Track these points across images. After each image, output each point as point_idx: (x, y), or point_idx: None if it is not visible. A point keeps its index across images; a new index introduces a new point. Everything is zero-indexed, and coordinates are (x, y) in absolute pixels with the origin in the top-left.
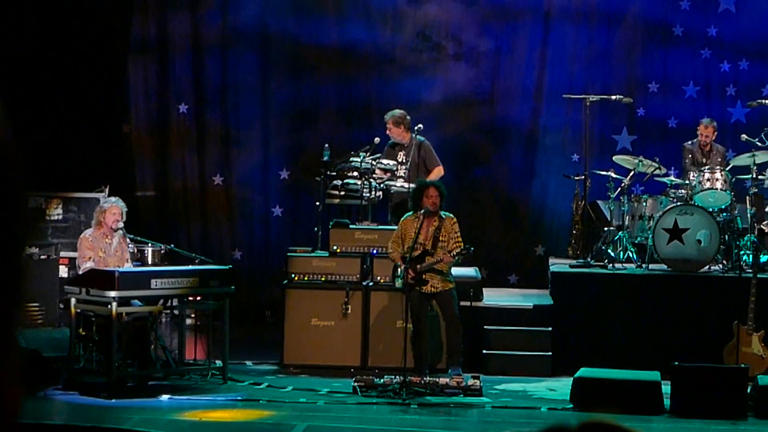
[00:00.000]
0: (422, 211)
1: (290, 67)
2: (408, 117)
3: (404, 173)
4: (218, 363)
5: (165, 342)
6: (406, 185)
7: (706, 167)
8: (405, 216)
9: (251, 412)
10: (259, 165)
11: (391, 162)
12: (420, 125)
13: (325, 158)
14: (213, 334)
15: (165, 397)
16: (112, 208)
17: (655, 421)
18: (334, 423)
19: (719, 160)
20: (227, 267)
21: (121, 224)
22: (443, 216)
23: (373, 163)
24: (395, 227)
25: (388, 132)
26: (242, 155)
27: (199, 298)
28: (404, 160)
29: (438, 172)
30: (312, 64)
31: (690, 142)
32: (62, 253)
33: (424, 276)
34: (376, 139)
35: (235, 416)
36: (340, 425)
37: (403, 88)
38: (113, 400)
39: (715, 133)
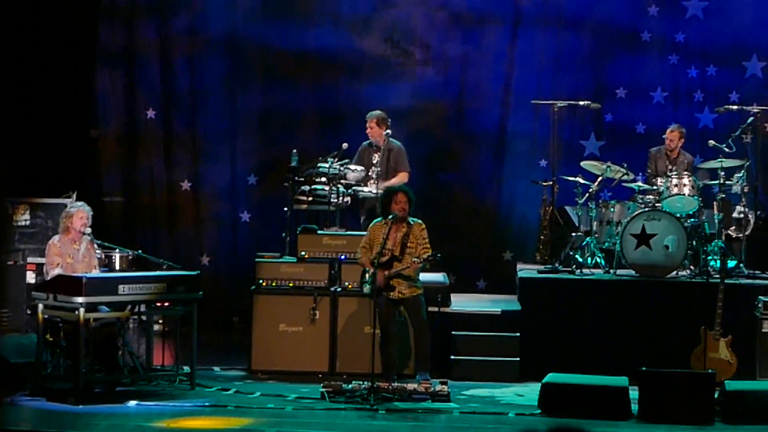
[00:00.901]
0: (390, 217)
1: (258, 73)
2: (389, 119)
3: (375, 175)
4: (186, 369)
5: (132, 348)
6: (374, 190)
7: (674, 173)
8: (374, 222)
9: (219, 419)
10: (227, 171)
11: (359, 168)
12: (388, 130)
13: (293, 164)
14: (181, 339)
15: (132, 403)
16: (79, 212)
17: (622, 427)
18: (302, 429)
19: (685, 166)
20: (195, 273)
21: (88, 229)
22: (412, 222)
23: (341, 168)
24: (364, 233)
25: (368, 131)
26: (210, 161)
27: (166, 303)
28: (378, 162)
29: (402, 177)
30: (280, 70)
31: (656, 149)
32: (29, 259)
33: (391, 282)
34: (344, 145)
35: (204, 424)
36: (308, 431)
37: (371, 93)
38: (81, 406)
39: (682, 139)
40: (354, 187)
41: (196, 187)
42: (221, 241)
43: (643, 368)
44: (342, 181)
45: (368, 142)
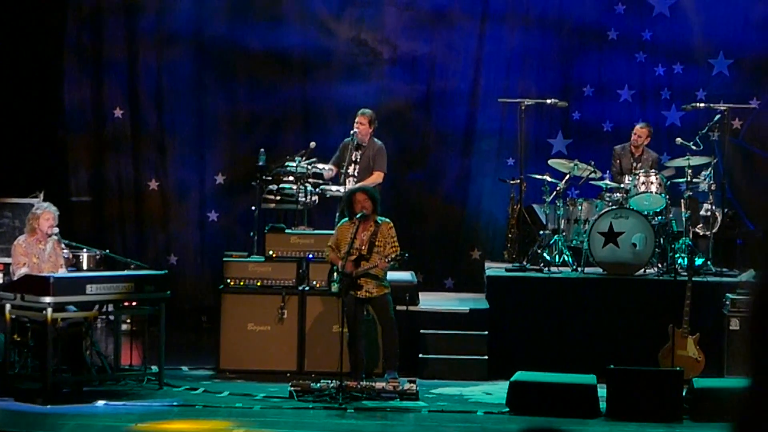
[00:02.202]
0: (357, 216)
1: (226, 71)
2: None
3: (355, 173)
4: (154, 368)
5: (100, 348)
6: (342, 189)
7: (641, 170)
8: (341, 222)
9: (188, 422)
10: (194, 170)
11: (328, 166)
12: (355, 129)
13: (261, 163)
14: (149, 339)
15: (101, 402)
16: (45, 213)
17: (590, 425)
18: (270, 428)
19: (649, 164)
20: (163, 272)
21: (55, 229)
22: (379, 221)
23: (309, 167)
24: (332, 231)
25: (357, 126)
26: (177, 160)
27: (134, 303)
28: (358, 160)
29: (377, 176)
30: (248, 69)
31: (620, 146)
32: None
33: (359, 281)
34: (312, 144)
35: (173, 427)
36: (276, 430)
37: (338, 92)
38: (48, 407)
39: (649, 137)
40: (322, 186)
41: (163, 187)
42: (189, 241)
43: (611, 366)
44: (310, 180)
45: (350, 138)
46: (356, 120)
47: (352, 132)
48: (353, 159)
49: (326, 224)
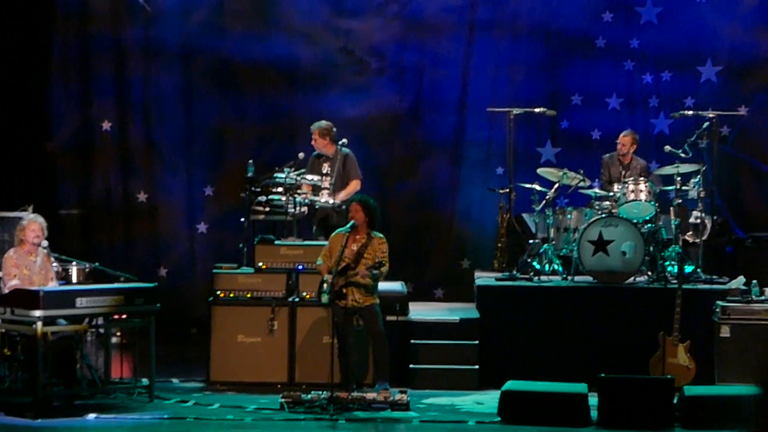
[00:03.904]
0: (349, 226)
1: (213, 83)
2: (334, 129)
3: (329, 185)
4: (145, 381)
5: (91, 361)
6: (330, 200)
7: (630, 178)
8: (336, 231)
9: None
10: (183, 182)
11: (316, 177)
12: (345, 139)
13: (250, 174)
14: (139, 352)
15: (91, 416)
16: (31, 224)
17: None
18: None
19: (638, 172)
20: (152, 285)
21: (45, 242)
22: (373, 235)
23: (298, 178)
24: (320, 242)
25: (313, 143)
26: (166, 172)
27: (124, 316)
28: (329, 172)
29: (355, 185)
30: (236, 80)
31: (608, 155)
32: None
33: (345, 290)
34: (301, 154)
35: None
36: None
37: (327, 103)
38: (39, 420)
39: (635, 144)
40: (311, 197)
41: (152, 199)
42: (178, 253)
43: (602, 375)
44: (299, 191)
45: (316, 153)
46: (314, 133)
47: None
48: (325, 172)
49: (311, 235)
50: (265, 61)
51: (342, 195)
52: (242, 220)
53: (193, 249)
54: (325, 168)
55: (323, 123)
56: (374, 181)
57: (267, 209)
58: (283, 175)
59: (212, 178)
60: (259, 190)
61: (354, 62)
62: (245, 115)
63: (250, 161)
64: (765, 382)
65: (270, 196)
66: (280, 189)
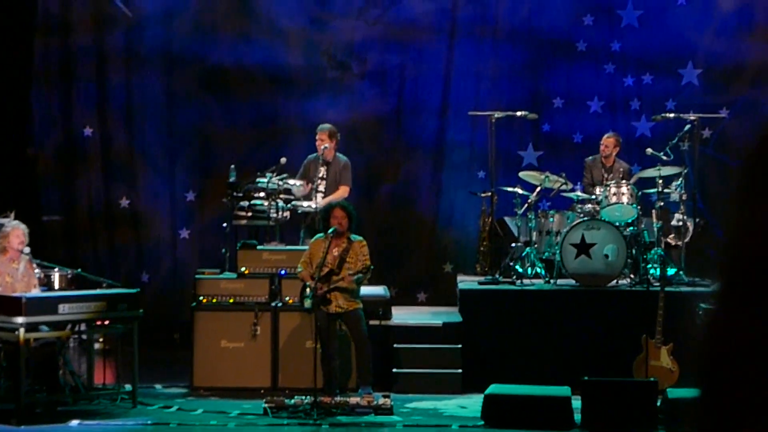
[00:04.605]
0: (330, 232)
1: (195, 88)
2: (338, 133)
3: (323, 189)
4: (128, 387)
5: (73, 367)
6: (313, 205)
7: (612, 181)
8: (315, 237)
9: None
10: (165, 187)
11: (299, 182)
12: (324, 146)
13: (232, 179)
14: (122, 358)
15: (74, 422)
16: (15, 231)
17: None
18: None
19: (621, 175)
20: (135, 290)
21: (26, 248)
22: (353, 239)
23: (280, 183)
24: (303, 247)
25: (318, 143)
26: (148, 177)
27: (107, 322)
28: (325, 176)
29: (343, 192)
30: (217, 85)
31: (591, 158)
32: None
33: (329, 296)
34: (283, 159)
35: None
36: None
37: (308, 107)
38: (22, 427)
39: (618, 147)
40: (293, 202)
41: (135, 204)
42: (161, 258)
43: (586, 378)
44: (281, 195)
45: (315, 155)
46: (317, 137)
47: (322, 149)
48: (320, 175)
49: (298, 240)
50: (248, 66)
51: (327, 200)
52: (224, 225)
53: (176, 254)
54: (322, 172)
55: (330, 125)
56: (356, 184)
57: (249, 214)
58: (265, 180)
59: (195, 184)
60: (241, 195)
61: (335, 66)
62: (228, 120)
63: (232, 166)
64: (701, 383)
65: (252, 201)
66: (262, 194)
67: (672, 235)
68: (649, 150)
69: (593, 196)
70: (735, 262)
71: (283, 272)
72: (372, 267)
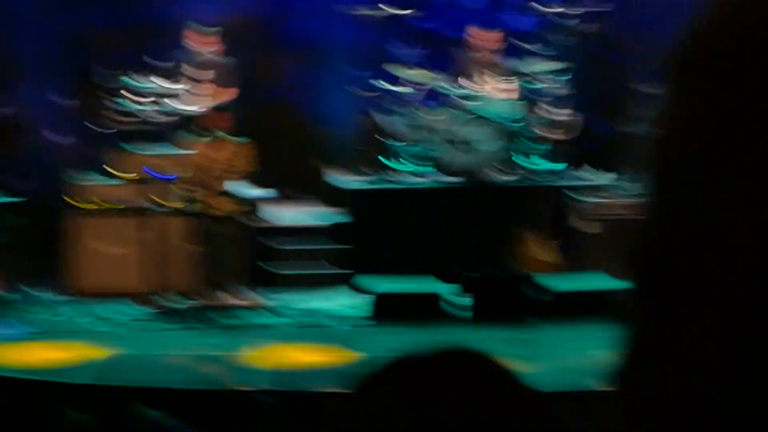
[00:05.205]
0: (213, 134)
1: None
2: (214, 29)
3: (207, 90)
4: (15, 296)
5: None
6: (197, 107)
7: (496, 77)
8: (197, 140)
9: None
10: (43, 93)
11: (184, 83)
12: (200, 47)
13: (110, 83)
14: (6, 267)
15: None
16: None
17: (454, 330)
18: (134, 344)
19: (501, 69)
20: (19, 200)
21: None
22: (237, 141)
23: (161, 85)
24: (187, 151)
25: (202, 45)
26: (22, 85)
27: None
28: (209, 78)
29: (229, 92)
30: None
31: (472, 53)
32: None
33: (209, 198)
34: (164, 61)
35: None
36: (139, 346)
37: (187, 8)
38: None
39: (500, 42)
40: (177, 105)
41: (13, 112)
42: (42, 166)
43: (471, 273)
44: (164, 98)
45: (197, 56)
46: (198, 38)
47: (205, 51)
48: (204, 77)
49: (182, 143)
50: None
51: (211, 102)
52: (103, 129)
53: (57, 162)
54: (205, 74)
55: (213, 27)
56: (236, 87)
57: (130, 119)
58: (146, 82)
59: (76, 88)
60: (122, 97)
61: None
62: (106, 22)
63: (110, 70)
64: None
65: (135, 105)
66: (146, 96)
67: (556, 129)
68: (535, 43)
69: (475, 92)
70: (667, 159)
71: (164, 176)
72: (256, 169)
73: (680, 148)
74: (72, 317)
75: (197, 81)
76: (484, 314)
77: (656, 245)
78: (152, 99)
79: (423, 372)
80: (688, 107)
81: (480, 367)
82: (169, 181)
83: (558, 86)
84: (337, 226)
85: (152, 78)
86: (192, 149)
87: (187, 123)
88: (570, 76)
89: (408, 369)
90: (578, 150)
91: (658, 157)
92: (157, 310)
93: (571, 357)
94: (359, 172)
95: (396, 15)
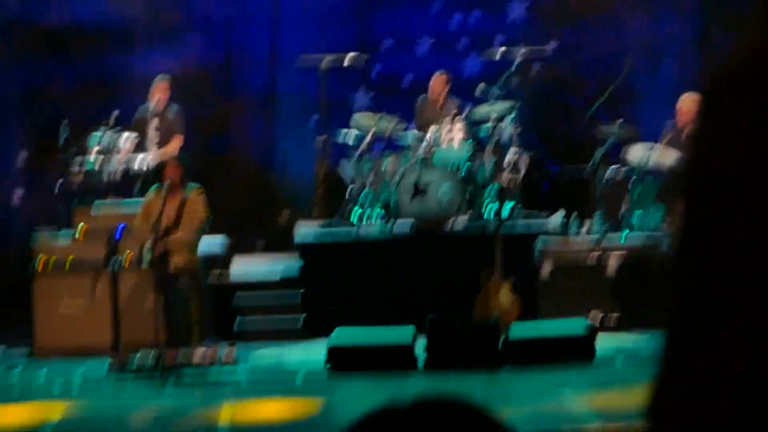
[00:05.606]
0: (165, 185)
1: (21, 49)
2: (165, 80)
3: (157, 140)
4: None
5: None
6: (147, 159)
7: (444, 121)
8: (149, 192)
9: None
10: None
11: (133, 134)
12: (155, 98)
13: (64, 137)
14: None
15: None
16: None
17: (410, 377)
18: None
19: (454, 112)
20: None
21: None
22: (189, 189)
23: (114, 137)
24: (140, 201)
25: (153, 96)
26: None
27: None
28: (158, 127)
29: (178, 141)
30: (43, 44)
31: (421, 98)
32: None
33: (166, 252)
34: (115, 113)
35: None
36: (98, 405)
37: (136, 61)
38: None
39: (447, 85)
40: (126, 158)
41: None
42: None
43: (431, 316)
44: (115, 152)
45: (145, 108)
46: (153, 88)
47: (153, 101)
48: (153, 127)
49: (135, 195)
50: (72, 22)
51: (162, 153)
52: (58, 183)
53: (9, 216)
54: (154, 123)
55: (161, 76)
56: (188, 138)
57: (84, 171)
58: (99, 135)
59: (26, 142)
60: (74, 152)
61: (162, 19)
62: (56, 79)
63: (65, 122)
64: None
65: (86, 157)
66: (96, 150)
67: (507, 170)
68: (481, 86)
69: (426, 136)
70: (699, 182)
71: (120, 228)
72: (210, 216)
73: (712, 171)
74: (26, 377)
75: (147, 131)
76: (441, 360)
77: (690, 269)
78: (102, 151)
79: (408, 424)
80: (719, 134)
81: (465, 417)
82: (123, 233)
83: (508, 126)
84: (293, 277)
85: (102, 130)
86: (144, 200)
87: (140, 174)
88: (520, 116)
89: (392, 421)
90: (531, 191)
91: (690, 182)
92: (115, 368)
93: (536, 402)
94: (314, 220)
95: (344, 61)
